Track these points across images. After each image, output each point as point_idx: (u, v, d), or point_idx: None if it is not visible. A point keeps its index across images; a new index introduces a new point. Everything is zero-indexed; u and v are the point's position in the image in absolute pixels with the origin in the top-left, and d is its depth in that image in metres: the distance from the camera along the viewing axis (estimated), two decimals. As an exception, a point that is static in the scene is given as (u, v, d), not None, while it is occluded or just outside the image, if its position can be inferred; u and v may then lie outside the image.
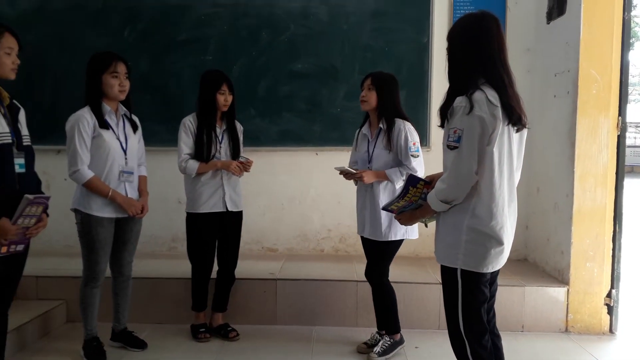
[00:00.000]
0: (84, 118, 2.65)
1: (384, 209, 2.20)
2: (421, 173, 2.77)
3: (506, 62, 1.85)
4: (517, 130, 1.86)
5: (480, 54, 1.83)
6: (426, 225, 2.15)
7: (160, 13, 4.09)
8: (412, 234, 2.88)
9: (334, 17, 4.06)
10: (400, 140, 2.80)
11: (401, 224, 2.15)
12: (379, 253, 2.89)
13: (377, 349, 2.91)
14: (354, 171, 2.83)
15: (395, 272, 3.00)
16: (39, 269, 3.43)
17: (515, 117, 1.81)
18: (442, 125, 1.93)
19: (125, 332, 3.00)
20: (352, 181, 2.98)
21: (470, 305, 1.88)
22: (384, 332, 3.01)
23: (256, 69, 4.09)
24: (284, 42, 4.09)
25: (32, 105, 2.36)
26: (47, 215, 2.22)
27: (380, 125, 2.86)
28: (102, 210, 2.70)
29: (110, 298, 2.94)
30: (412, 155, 2.78)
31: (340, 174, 2.92)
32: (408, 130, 2.80)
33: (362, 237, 3.00)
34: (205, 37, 4.09)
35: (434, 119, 3.99)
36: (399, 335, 2.96)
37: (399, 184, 2.81)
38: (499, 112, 1.77)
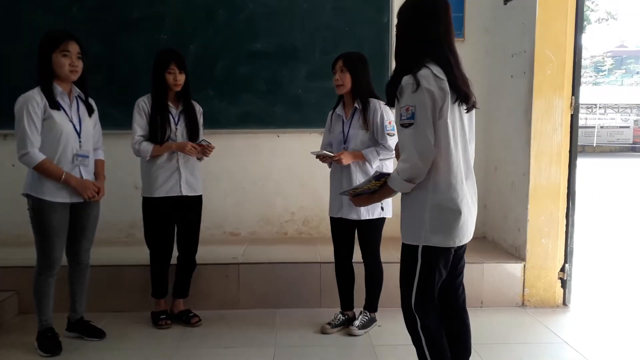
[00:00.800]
0: (34, 99, 2.53)
1: (342, 193, 2.19)
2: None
3: (452, 44, 1.87)
4: (467, 111, 1.89)
5: (426, 34, 1.84)
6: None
7: (111, -11, 3.90)
8: (388, 213, 2.92)
9: (293, -4, 3.98)
10: (377, 119, 2.83)
11: (356, 205, 2.15)
12: (366, 233, 2.92)
13: (356, 322, 2.98)
14: (332, 154, 2.80)
15: (358, 252, 3.02)
16: (-13, 260, 3.27)
17: (462, 95, 1.83)
18: (389, 104, 1.94)
19: (82, 321, 2.90)
20: (317, 163, 2.97)
21: (425, 283, 1.90)
22: (347, 312, 3.08)
23: (214, 48, 3.97)
24: (242, 21, 3.97)
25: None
26: None
27: (356, 105, 2.87)
28: (55, 195, 2.60)
29: (65, 287, 2.83)
30: (388, 134, 2.82)
31: (317, 158, 2.89)
32: (384, 109, 2.83)
33: (334, 220, 3.00)
34: (160, 15, 3.93)
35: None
36: (374, 314, 3.05)
37: (375, 164, 2.84)
38: (446, 85, 1.80)
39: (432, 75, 1.79)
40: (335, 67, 2.86)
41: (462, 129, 1.88)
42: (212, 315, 3.22)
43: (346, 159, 2.81)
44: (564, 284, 3.47)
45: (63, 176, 2.58)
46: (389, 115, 2.84)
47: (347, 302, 3.10)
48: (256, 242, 4.02)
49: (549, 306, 3.45)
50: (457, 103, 1.83)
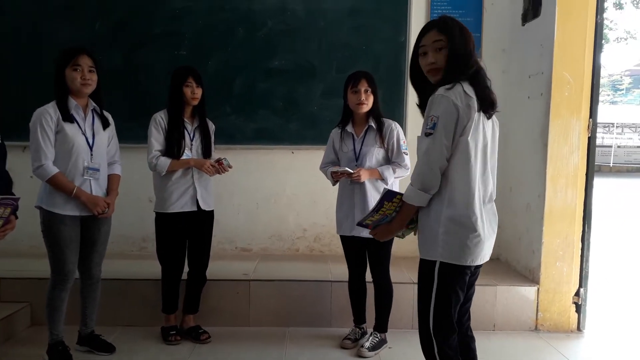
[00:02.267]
0: (47, 112, 2.59)
1: (359, 224, 2.11)
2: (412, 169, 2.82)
3: (476, 58, 1.90)
4: (489, 117, 1.88)
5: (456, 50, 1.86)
6: (402, 236, 2.10)
7: (133, 6, 3.97)
8: None
9: (311, 14, 4.01)
10: (393, 139, 2.89)
11: (377, 239, 2.09)
12: (377, 251, 2.90)
13: (366, 344, 2.94)
14: (352, 171, 2.80)
15: (369, 272, 3.00)
16: (2, 270, 3.31)
17: (488, 103, 1.85)
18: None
19: (93, 335, 2.90)
20: (329, 181, 2.98)
21: (442, 303, 1.87)
22: (362, 326, 3.09)
23: (232, 65, 4.02)
24: (260, 38, 4.02)
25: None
26: (16, 217, 2.12)
27: (371, 124, 2.89)
28: (64, 208, 2.62)
29: (77, 300, 2.84)
30: (404, 153, 2.89)
31: (331, 175, 2.89)
32: (398, 129, 2.91)
33: (345, 238, 2.98)
34: (180, 32, 3.99)
35: (410, 117, 4.01)
36: (385, 334, 3.01)
37: (391, 181, 2.87)
38: (474, 103, 1.81)
39: (462, 92, 1.81)
40: (358, 86, 2.84)
41: (484, 149, 1.88)
42: (222, 331, 3.21)
43: (364, 176, 2.82)
44: (578, 308, 3.40)
45: (74, 191, 2.60)
46: (403, 135, 2.94)
47: (360, 317, 3.10)
48: (267, 258, 4.02)
49: (563, 331, 3.38)
50: (480, 113, 1.83)
